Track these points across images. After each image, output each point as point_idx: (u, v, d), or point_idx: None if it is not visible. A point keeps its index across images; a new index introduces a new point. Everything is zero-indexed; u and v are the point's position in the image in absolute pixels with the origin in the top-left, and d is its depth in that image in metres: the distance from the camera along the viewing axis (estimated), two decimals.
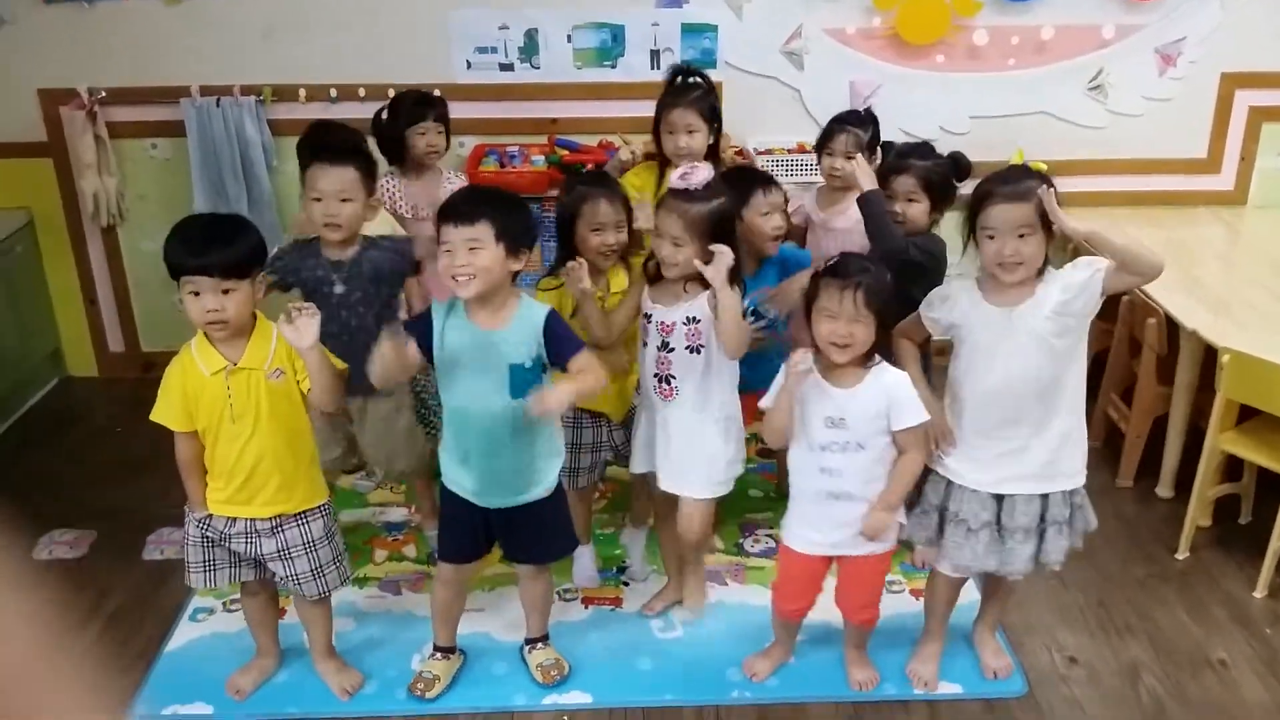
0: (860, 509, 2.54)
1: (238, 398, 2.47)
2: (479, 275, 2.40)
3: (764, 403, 2.57)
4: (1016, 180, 2.46)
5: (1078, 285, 2.43)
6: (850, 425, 2.49)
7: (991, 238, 2.45)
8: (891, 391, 2.48)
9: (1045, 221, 2.41)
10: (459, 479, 2.61)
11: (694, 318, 2.64)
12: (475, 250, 2.39)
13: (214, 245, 2.39)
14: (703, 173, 2.60)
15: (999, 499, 2.58)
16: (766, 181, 3.10)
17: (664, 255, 2.62)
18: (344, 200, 2.85)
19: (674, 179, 2.63)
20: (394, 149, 3.48)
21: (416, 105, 3.51)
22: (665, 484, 2.79)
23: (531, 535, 2.69)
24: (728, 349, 2.62)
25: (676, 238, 2.58)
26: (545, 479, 2.63)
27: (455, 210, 2.45)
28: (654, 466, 2.81)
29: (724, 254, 2.52)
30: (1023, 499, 2.56)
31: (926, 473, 2.66)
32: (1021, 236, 2.41)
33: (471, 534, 2.68)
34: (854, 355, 2.45)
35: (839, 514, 2.56)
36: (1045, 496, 2.57)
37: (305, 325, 2.37)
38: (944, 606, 2.83)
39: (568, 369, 2.49)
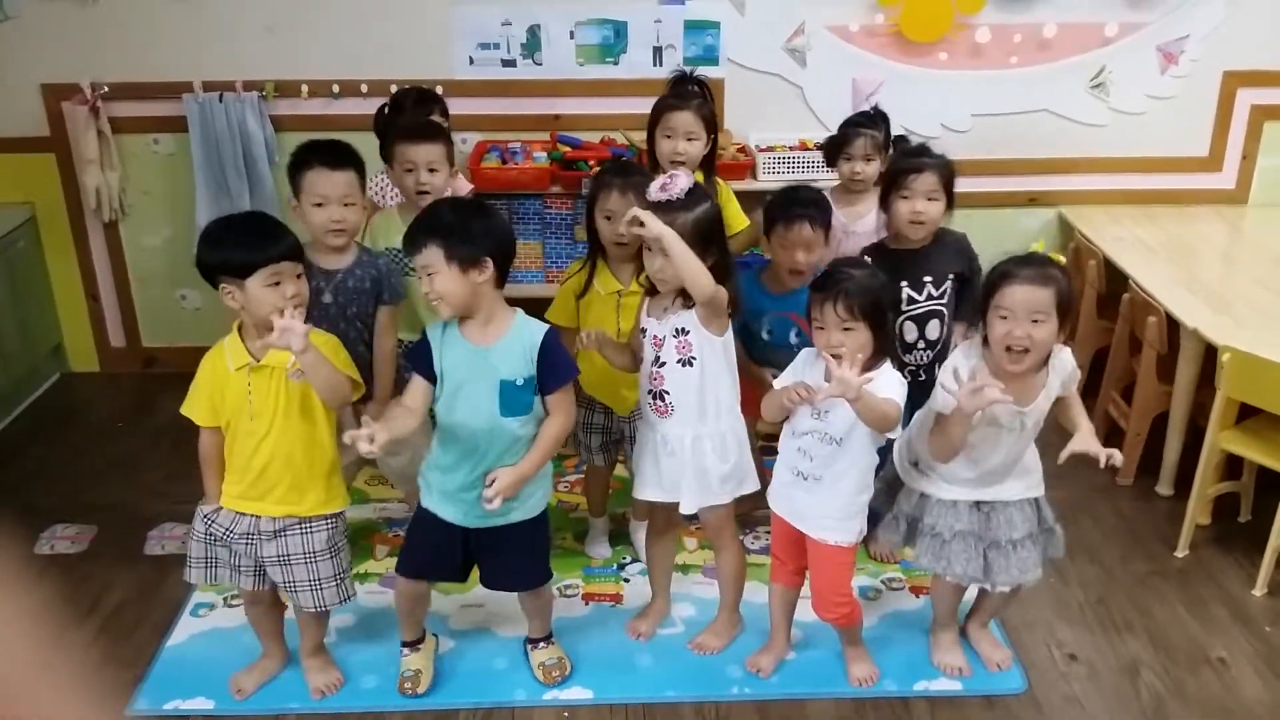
0: (820, 498, 2.59)
1: (258, 395, 2.48)
2: (444, 298, 2.42)
3: (777, 381, 2.59)
4: (1040, 265, 2.47)
5: (1058, 391, 2.57)
6: (833, 421, 2.52)
7: (1004, 318, 2.44)
8: (881, 391, 2.47)
9: (1062, 311, 2.42)
10: (442, 498, 2.58)
11: (682, 329, 2.58)
12: (432, 276, 2.41)
13: (281, 234, 2.47)
14: (683, 180, 2.53)
15: (984, 515, 2.64)
16: (792, 215, 2.96)
17: (655, 270, 2.54)
18: (347, 204, 2.85)
19: (653, 190, 2.52)
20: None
21: (420, 102, 3.51)
22: (665, 497, 2.74)
23: (510, 560, 2.66)
24: (695, 287, 2.46)
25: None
26: (528, 501, 2.60)
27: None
28: (661, 491, 2.74)
29: (627, 218, 2.48)
30: (1015, 507, 2.63)
31: (898, 484, 2.76)
32: (1036, 322, 2.41)
33: (443, 554, 2.64)
34: (852, 363, 2.43)
35: (801, 492, 2.61)
36: (1035, 503, 2.67)
37: (294, 331, 2.32)
38: (949, 602, 2.86)
39: (546, 401, 2.51)
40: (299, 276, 2.48)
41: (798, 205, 2.99)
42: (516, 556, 2.66)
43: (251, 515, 2.57)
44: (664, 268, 2.50)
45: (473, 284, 2.43)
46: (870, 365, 2.47)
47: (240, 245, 2.43)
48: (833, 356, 2.42)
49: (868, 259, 2.81)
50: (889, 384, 2.47)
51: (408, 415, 2.48)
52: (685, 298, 2.56)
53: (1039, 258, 2.55)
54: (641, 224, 2.44)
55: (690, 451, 2.65)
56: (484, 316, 2.48)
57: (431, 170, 3.11)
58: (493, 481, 2.45)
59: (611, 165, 3.16)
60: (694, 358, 2.60)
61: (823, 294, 2.44)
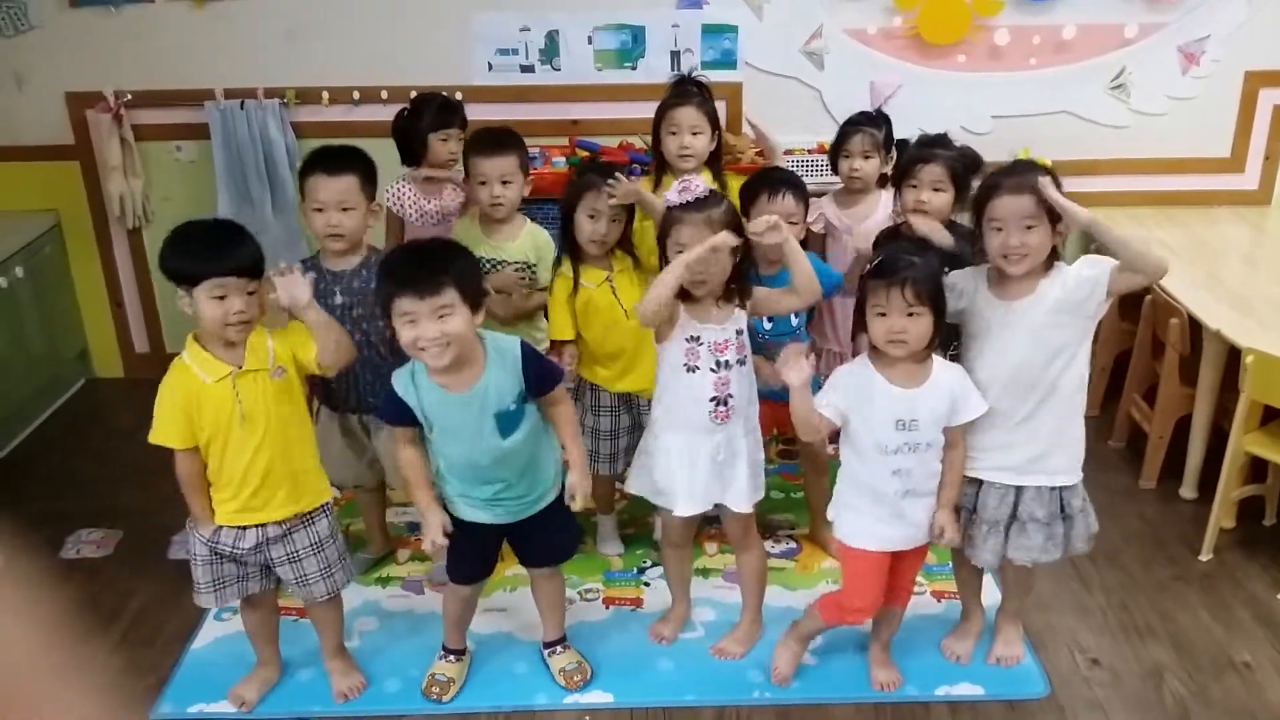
0: (926, 503, 2.57)
1: (246, 401, 2.46)
2: (454, 343, 2.33)
3: (819, 404, 2.55)
4: (1022, 173, 2.49)
5: (1085, 280, 2.45)
6: (922, 426, 2.49)
7: (999, 229, 2.46)
8: (955, 388, 2.49)
9: (1052, 214, 2.43)
10: (473, 509, 2.59)
11: (739, 329, 2.62)
12: (446, 317, 2.31)
13: (235, 247, 2.42)
14: (699, 180, 2.58)
15: (977, 485, 2.63)
16: (777, 185, 3.02)
17: (696, 273, 2.51)
18: (345, 209, 2.85)
19: (674, 195, 2.54)
20: (413, 151, 3.47)
21: (442, 110, 3.50)
22: (708, 506, 2.73)
23: (545, 537, 2.70)
24: (809, 286, 2.60)
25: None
26: (553, 483, 2.64)
27: (414, 280, 2.31)
28: (705, 501, 2.71)
29: (767, 221, 2.53)
30: (996, 490, 2.60)
31: None
32: (1029, 228, 2.43)
33: (485, 554, 2.70)
34: (912, 350, 2.45)
35: (910, 511, 2.57)
36: (1020, 490, 2.60)
37: (296, 283, 2.39)
38: (967, 584, 2.89)
39: (542, 402, 2.52)
40: (251, 293, 2.41)
41: (780, 178, 3.07)
42: (553, 532, 2.70)
43: (256, 526, 2.56)
44: (710, 268, 2.52)
45: (473, 326, 2.39)
46: (924, 356, 2.49)
47: (190, 254, 2.41)
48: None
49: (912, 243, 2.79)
50: (946, 381, 2.49)
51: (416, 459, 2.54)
52: (735, 299, 2.61)
53: (1023, 165, 2.59)
54: (766, 230, 2.50)
55: (745, 446, 2.68)
56: (466, 359, 2.41)
57: (504, 183, 3.09)
58: (573, 497, 2.55)
59: (591, 165, 3.18)
60: (746, 355, 2.65)
61: (888, 279, 2.41)
